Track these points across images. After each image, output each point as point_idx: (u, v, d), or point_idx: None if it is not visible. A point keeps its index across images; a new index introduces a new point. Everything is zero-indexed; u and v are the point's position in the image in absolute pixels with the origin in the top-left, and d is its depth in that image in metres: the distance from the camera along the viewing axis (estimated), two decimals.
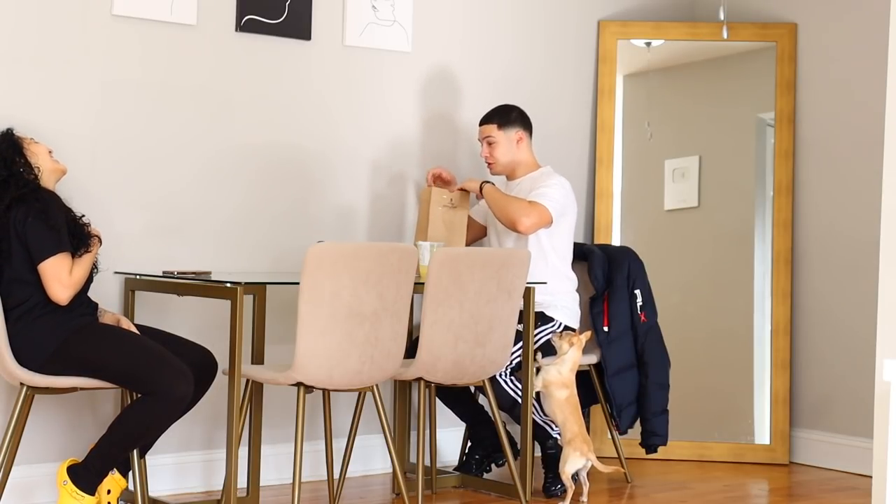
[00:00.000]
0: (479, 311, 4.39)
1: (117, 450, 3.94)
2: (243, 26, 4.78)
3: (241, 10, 4.77)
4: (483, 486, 4.86)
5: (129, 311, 4.45)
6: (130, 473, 4.05)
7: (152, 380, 3.89)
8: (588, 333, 4.78)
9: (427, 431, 5.04)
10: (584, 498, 4.68)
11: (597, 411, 5.45)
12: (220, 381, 4.27)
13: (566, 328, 4.89)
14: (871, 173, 5.11)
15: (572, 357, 4.70)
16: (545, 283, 4.80)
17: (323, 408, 4.53)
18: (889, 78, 3.72)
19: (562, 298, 4.90)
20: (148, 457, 4.25)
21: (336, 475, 4.57)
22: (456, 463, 5.18)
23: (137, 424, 3.92)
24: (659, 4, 5.92)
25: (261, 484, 4.53)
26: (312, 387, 4.10)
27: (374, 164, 5.15)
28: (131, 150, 4.57)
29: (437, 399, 5.02)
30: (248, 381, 4.28)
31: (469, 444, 5.07)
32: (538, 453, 4.95)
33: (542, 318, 4.83)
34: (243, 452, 4.48)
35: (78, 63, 4.45)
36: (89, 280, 4.08)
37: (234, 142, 4.80)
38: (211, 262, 4.72)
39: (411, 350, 4.50)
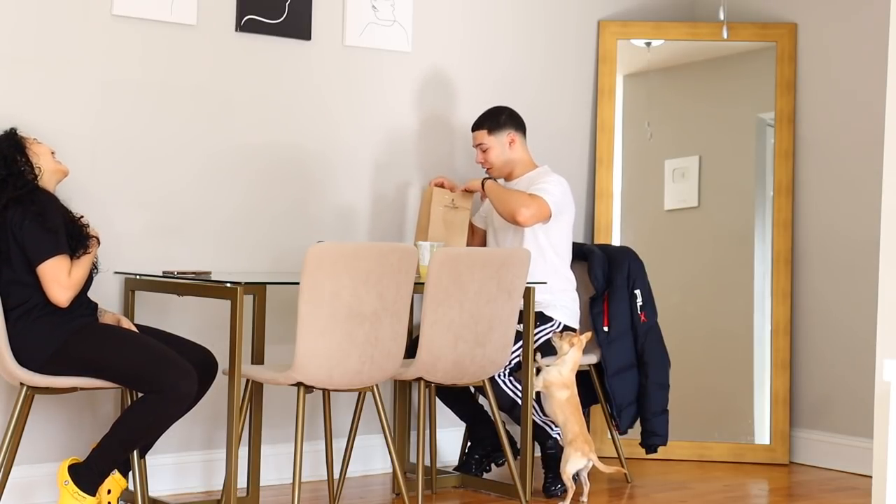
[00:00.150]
0: (479, 311, 4.39)
1: (120, 449, 3.94)
2: (243, 26, 4.78)
3: (241, 10, 4.77)
4: (483, 486, 4.86)
5: (129, 311, 4.45)
6: (130, 473, 4.05)
7: (157, 378, 3.89)
8: (588, 334, 4.78)
9: (427, 431, 5.04)
10: (585, 498, 4.68)
11: (597, 411, 5.45)
12: (220, 381, 4.27)
13: (566, 328, 4.90)
14: (871, 173, 5.11)
15: (572, 357, 4.70)
16: (545, 282, 4.80)
17: (323, 408, 4.53)
18: (889, 78, 3.72)
19: (561, 298, 4.90)
20: (148, 457, 4.25)
21: (336, 475, 4.57)
22: (456, 463, 5.18)
23: (142, 423, 3.92)
24: (659, 4, 5.92)
25: (261, 484, 4.53)
26: (312, 387, 4.10)
27: (374, 164, 5.15)
28: (131, 150, 4.57)
29: (437, 399, 5.02)
30: (248, 381, 4.28)
31: (469, 443, 5.07)
32: (538, 453, 4.95)
33: (541, 318, 4.83)
34: (243, 452, 4.48)
35: (78, 63, 4.45)
36: (89, 281, 4.08)
37: (234, 142, 4.80)
38: (211, 262, 4.72)
39: (411, 350, 4.50)
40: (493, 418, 4.67)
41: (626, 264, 5.10)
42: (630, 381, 5.07)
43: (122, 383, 3.99)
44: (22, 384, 3.92)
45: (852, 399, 5.35)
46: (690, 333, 5.69)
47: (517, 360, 4.75)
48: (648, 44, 5.78)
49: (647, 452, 5.15)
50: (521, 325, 4.68)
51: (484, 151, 4.98)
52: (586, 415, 5.20)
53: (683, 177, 5.81)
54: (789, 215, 5.58)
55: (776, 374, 5.54)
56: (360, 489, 4.84)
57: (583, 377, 5.03)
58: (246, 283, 4.09)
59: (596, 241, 5.63)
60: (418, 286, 4.32)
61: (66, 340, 3.92)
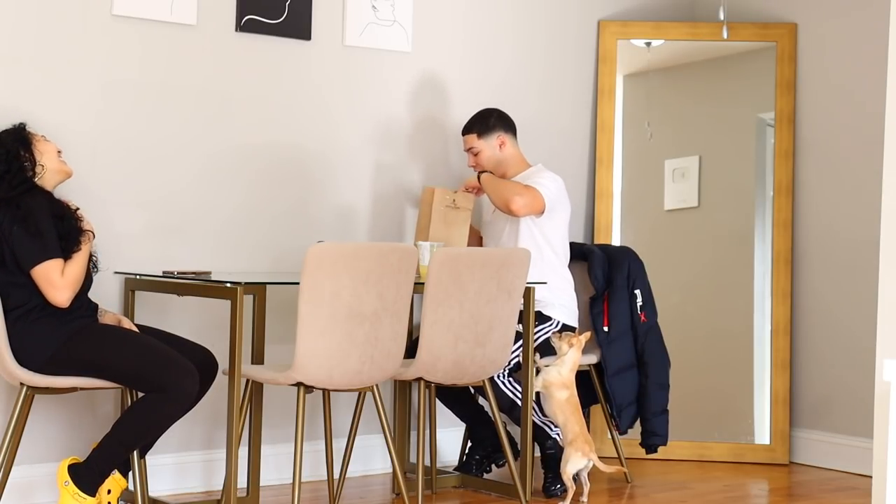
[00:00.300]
0: (479, 311, 4.39)
1: (121, 449, 3.93)
2: (243, 26, 4.78)
3: (241, 10, 4.77)
4: (483, 487, 4.86)
5: (129, 311, 4.45)
6: (130, 473, 4.05)
7: (159, 378, 3.88)
8: (587, 334, 4.78)
9: (427, 431, 5.04)
10: (585, 498, 4.68)
11: (597, 411, 5.44)
12: (220, 381, 4.27)
13: (564, 327, 4.90)
14: (871, 173, 5.11)
15: (572, 358, 4.70)
16: (545, 282, 4.81)
17: (323, 408, 4.53)
18: (889, 78, 3.72)
19: (559, 296, 4.90)
20: (148, 457, 4.25)
21: (336, 475, 4.57)
22: (456, 463, 5.18)
23: (142, 423, 3.92)
24: (659, 4, 5.92)
25: (261, 484, 4.53)
26: (312, 387, 4.10)
27: (375, 164, 5.15)
28: (131, 150, 4.57)
29: (437, 400, 5.02)
30: (248, 381, 4.28)
31: (469, 444, 5.07)
32: (538, 453, 4.95)
33: (540, 318, 4.83)
34: (243, 452, 4.48)
35: (78, 63, 4.45)
36: (89, 280, 4.08)
37: (234, 142, 4.80)
38: (211, 262, 4.72)
39: (411, 350, 4.50)
40: (493, 418, 4.67)
41: (626, 264, 5.11)
42: (630, 381, 5.07)
43: (123, 383, 3.99)
44: (22, 384, 3.92)
45: (852, 399, 5.35)
46: (690, 333, 5.69)
47: (516, 360, 4.75)
48: (648, 44, 5.78)
49: (647, 452, 5.15)
50: (520, 326, 4.68)
51: (475, 155, 5.00)
52: (586, 415, 5.20)
53: (683, 177, 5.81)
54: (789, 215, 5.58)
55: (776, 374, 5.54)
56: (360, 489, 4.84)
57: (583, 377, 5.03)
58: (246, 283, 4.09)
59: (596, 241, 5.63)
60: (418, 286, 4.32)
61: (65, 342, 3.91)
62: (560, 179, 4.93)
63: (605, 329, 5.06)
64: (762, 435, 5.58)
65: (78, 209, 4.06)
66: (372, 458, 5.09)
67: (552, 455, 4.80)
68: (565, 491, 4.63)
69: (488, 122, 4.99)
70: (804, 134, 5.60)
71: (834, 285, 5.47)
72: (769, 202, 5.64)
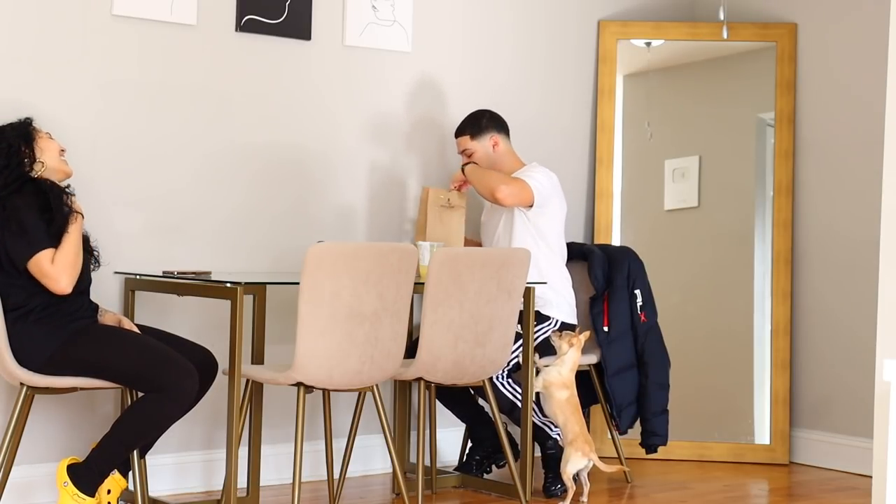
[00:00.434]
0: (479, 311, 4.39)
1: (121, 449, 3.93)
2: (243, 26, 4.78)
3: (241, 10, 4.77)
4: (483, 487, 4.86)
5: (129, 311, 4.45)
6: (130, 473, 4.05)
7: (159, 378, 3.88)
8: (587, 333, 4.78)
9: (427, 431, 5.04)
10: (585, 498, 4.68)
11: (597, 411, 5.44)
12: (220, 381, 4.26)
13: (564, 325, 4.89)
14: (871, 173, 5.11)
15: (572, 357, 4.70)
16: (545, 282, 4.81)
17: (323, 408, 4.53)
18: (889, 78, 3.72)
19: (556, 293, 4.90)
20: (148, 457, 4.25)
21: (336, 475, 4.57)
22: (456, 463, 5.18)
23: (142, 423, 3.91)
24: (659, 4, 5.92)
25: (261, 484, 4.53)
26: (312, 387, 4.10)
27: (374, 164, 5.15)
28: (131, 150, 4.57)
29: (437, 400, 5.02)
30: (248, 381, 4.28)
31: (469, 444, 5.07)
32: (538, 454, 4.95)
33: (538, 317, 4.83)
34: (243, 452, 4.48)
35: (78, 63, 4.45)
36: (89, 279, 4.08)
37: (233, 142, 4.80)
38: (211, 262, 4.72)
39: (411, 350, 4.50)
40: (493, 419, 4.66)
41: (626, 264, 5.10)
42: (630, 381, 5.07)
43: (124, 383, 3.98)
44: (22, 384, 3.92)
45: (852, 399, 5.35)
46: (690, 333, 5.69)
47: (515, 360, 4.75)
48: (648, 44, 5.78)
49: (647, 452, 5.15)
50: (520, 326, 4.68)
51: (468, 157, 5.00)
52: (586, 415, 5.20)
53: (683, 177, 5.81)
54: (789, 215, 5.58)
55: (776, 374, 5.54)
56: (360, 489, 4.84)
57: (583, 377, 5.03)
58: (246, 283, 4.09)
59: (596, 241, 5.63)
60: (418, 286, 4.32)
61: (65, 342, 3.91)
62: (554, 176, 4.93)
63: (605, 329, 5.06)
64: (762, 435, 5.58)
65: (68, 186, 4.02)
66: (372, 458, 5.09)
67: (552, 455, 4.80)
68: (565, 491, 4.63)
69: (480, 122, 5.00)
70: (804, 134, 5.60)
71: (834, 285, 5.47)
72: (769, 202, 5.64)
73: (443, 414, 5.15)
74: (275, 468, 4.79)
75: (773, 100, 5.64)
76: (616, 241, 5.67)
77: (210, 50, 4.73)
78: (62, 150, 4.10)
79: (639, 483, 5.09)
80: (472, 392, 5.05)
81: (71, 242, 3.92)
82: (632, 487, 5.02)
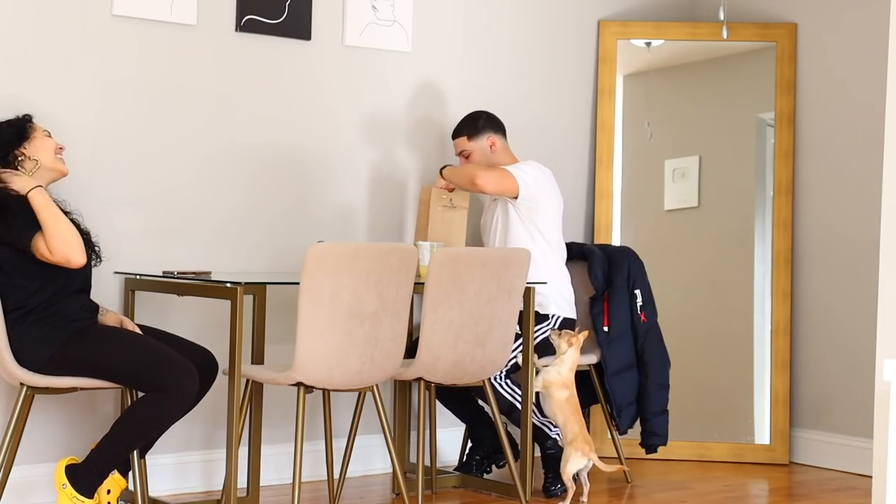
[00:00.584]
0: (479, 311, 4.39)
1: (121, 449, 3.93)
2: (243, 26, 4.78)
3: (241, 10, 4.77)
4: (483, 487, 4.86)
5: (129, 311, 4.45)
6: (130, 473, 4.05)
7: (159, 378, 3.88)
8: (586, 332, 4.78)
9: (427, 431, 5.04)
10: (584, 498, 4.68)
11: (597, 411, 5.44)
12: (220, 381, 4.26)
13: (564, 320, 4.89)
14: (871, 173, 5.11)
15: (571, 357, 4.70)
16: (545, 282, 4.81)
17: (323, 408, 4.53)
18: (889, 78, 3.72)
19: (553, 290, 4.89)
20: (148, 457, 4.25)
21: (336, 475, 4.57)
22: (456, 463, 5.18)
23: (142, 423, 3.91)
24: (659, 4, 5.92)
25: (261, 484, 4.53)
26: (312, 387, 4.10)
27: (374, 164, 5.15)
28: (131, 150, 4.57)
29: (437, 400, 5.02)
30: (248, 381, 4.28)
31: (469, 444, 5.07)
32: (538, 454, 4.95)
33: (537, 317, 4.83)
34: (243, 452, 4.48)
35: (78, 63, 4.45)
36: (89, 279, 4.08)
37: (233, 141, 4.80)
38: (211, 262, 4.72)
39: (411, 350, 4.50)
40: (493, 419, 4.66)
41: (626, 264, 5.10)
42: (630, 381, 5.07)
43: (124, 383, 3.98)
44: (22, 384, 3.92)
45: (852, 399, 5.35)
46: (690, 333, 5.69)
47: (514, 360, 4.75)
48: (648, 44, 5.78)
49: (647, 452, 5.15)
50: (520, 326, 4.68)
51: (466, 158, 5.00)
52: (586, 415, 5.20)
53: (683, 177, 5.81)
54: (789, 215, 5.58)
55: (776, 374, 5.54)
56: (360, 489, 4.84)
57: (582, 377, 5.03)
58: (246, 283, 4.09)
59: (596, 241, 5.63)
60: (418, 286, 4.32)
61: (65, 342, 3.91)
62: (547, 171, 4.94)
63: (605, 329, 5.06)
64: (762, 435, 5.58)
65: (21, 153, 4.00)
66: (372, 458, 5.09)
67: (552, 455, 4.80)
68: (565, 491, 4.63)
69: (477, 123, 5.00)
70: (804, 134, 5.60)
71: (834, 285, 5.47)
72: (769, 202, 5.64)
73: (443, 414, 5.15)
74: (275, 468, 4.79)
75: (773, 100, 5.64)
76: (616, 241, 5.66)
77: (210, 50, 4.73)
78: (61, 148, 4.10)
79: (639, 483, 5.09)
80: (472, 393, 5.06)
81: (48, 221, 3.85)
82: (632, 487, 5.02)
